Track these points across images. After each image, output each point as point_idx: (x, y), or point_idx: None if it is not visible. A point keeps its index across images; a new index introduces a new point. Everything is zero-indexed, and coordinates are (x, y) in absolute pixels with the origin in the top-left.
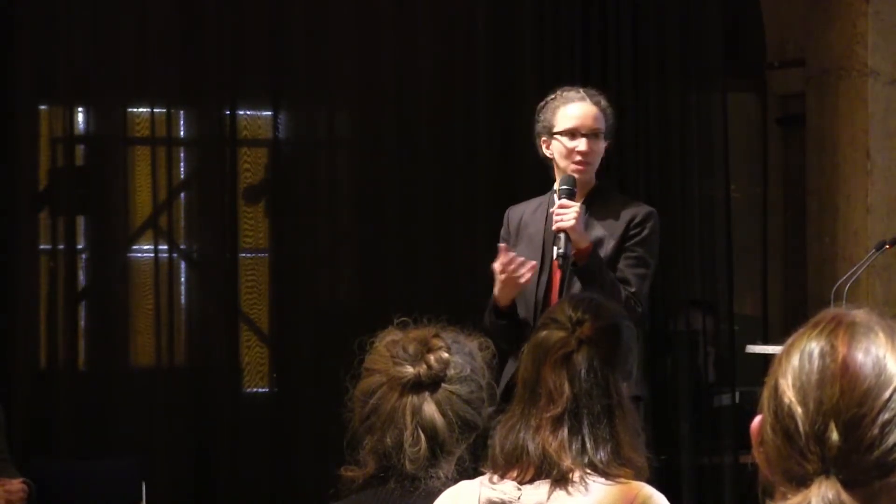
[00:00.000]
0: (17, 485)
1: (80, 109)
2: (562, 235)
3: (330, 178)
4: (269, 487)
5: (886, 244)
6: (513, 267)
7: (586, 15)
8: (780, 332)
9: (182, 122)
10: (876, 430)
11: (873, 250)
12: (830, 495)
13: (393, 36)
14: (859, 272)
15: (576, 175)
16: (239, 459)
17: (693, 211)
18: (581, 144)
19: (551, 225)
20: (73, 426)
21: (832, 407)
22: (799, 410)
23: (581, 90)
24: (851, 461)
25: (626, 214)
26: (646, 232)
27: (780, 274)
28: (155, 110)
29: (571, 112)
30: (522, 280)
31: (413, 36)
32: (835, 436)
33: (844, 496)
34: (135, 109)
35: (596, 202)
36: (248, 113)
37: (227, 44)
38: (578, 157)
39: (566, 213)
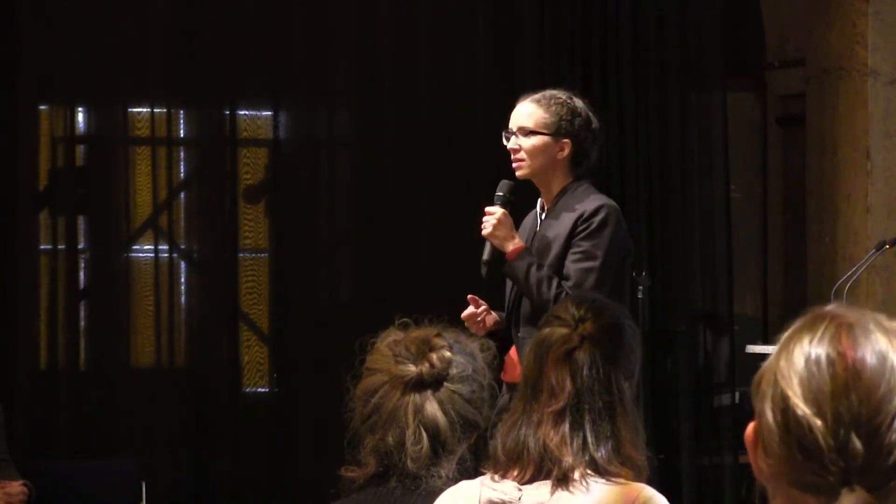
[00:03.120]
0: (16, 487)
1: (80, 109)
2: (487, 242)
3: (330, 178)
4: (269, 487)
5: (886, 244)
6: (474, 319)
7: (586, 15)
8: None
9: (182, 122)
10: (893, 436)
11: (873, 250)
12: None
13: (393, 36)
14: (859, 272)
15: (517, 175)
16: (239, 459)
17: (693, 211)
18: (509, 143)
19: (536, 230)
20: (73, 426)
21: (852, 418)
22: (818, 423)
23: (540, 92)
24: (874, 468)
25: (577, 210)
26: (593, 226)
27: (780, 274)
28: (155, 110)
29: None
30: (486, 325)
31: (413, 36)
32: (858, 445)
33: None
34: (135, 109)
35: (560, 201)
36: (248, 113)
37: (227, 44)
38: (512, 156)
39: (486, 220)
